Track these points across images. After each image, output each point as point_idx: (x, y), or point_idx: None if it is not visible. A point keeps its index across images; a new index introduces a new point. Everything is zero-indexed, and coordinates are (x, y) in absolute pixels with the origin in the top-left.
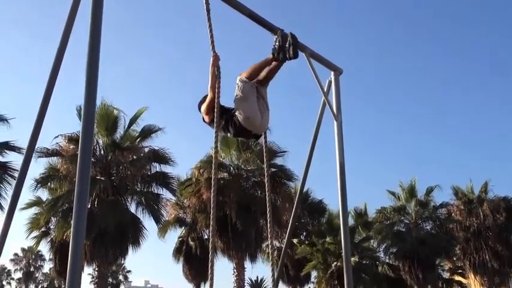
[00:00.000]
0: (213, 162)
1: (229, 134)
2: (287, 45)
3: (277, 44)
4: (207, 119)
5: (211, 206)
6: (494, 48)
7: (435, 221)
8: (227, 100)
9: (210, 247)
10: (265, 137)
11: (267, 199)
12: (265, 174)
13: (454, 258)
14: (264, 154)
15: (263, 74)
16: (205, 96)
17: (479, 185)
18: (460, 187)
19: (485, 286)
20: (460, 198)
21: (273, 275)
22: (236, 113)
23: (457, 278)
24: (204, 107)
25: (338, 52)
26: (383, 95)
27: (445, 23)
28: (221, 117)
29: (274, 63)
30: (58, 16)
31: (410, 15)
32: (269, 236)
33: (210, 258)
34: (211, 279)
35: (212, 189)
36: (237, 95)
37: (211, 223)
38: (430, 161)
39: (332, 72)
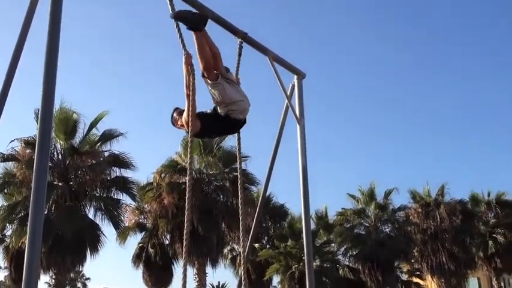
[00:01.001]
0: (188, 168)
1: (213, 136)
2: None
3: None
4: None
5: (186, 209)
6: (460, 54)
7: (394, 224)
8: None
9: (184, 251)
10: (238, 138)
11: (240, 206)
12: (239, 177)
13: (412, 260)
14: (238, 156)
15: (213, 62)
16: (175, 110)
17: (436, 188)
18: (417, 190)
19: (443, 287)
20: (418, 201)
21: (241, 279)
22: (219, 110)
23: (415, 279)
24: (185, 113)
25: (301, 56)
26: (344, 98)
27: (406, 24)
28: (202, 121)
29: (200, 40)
30: (15, 15)
31: (373, 16)
32: (241, 241)
33: (183, 263)
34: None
35: (187, 195)
36: (213, 96)
37: (185, 230)
38: (388, 164)
39: (295, 76)
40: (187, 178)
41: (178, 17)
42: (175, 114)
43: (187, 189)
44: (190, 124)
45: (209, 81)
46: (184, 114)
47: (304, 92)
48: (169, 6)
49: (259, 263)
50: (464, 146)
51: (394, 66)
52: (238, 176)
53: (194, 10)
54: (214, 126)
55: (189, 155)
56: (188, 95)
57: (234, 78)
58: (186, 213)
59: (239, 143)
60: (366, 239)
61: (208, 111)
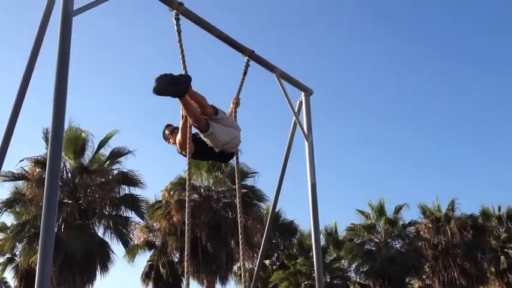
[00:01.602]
0: (187, 188)
1: (207, 160)
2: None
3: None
4: (180, 149)
5: (186, 228)
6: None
7: (404, 239)
8: None
9: (186, 266)
10: (237, 158)
11: (239, 220)
12: (237, 195)
13: (424, 276)
14: (236, 175)
15: (199, 109)
16: (167, 126)
17: (446, 203)
18: (427, 205)
19: None
20: (428, 216)
21: None
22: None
23: None
24: (179, 135)
25: (309, 72)
26: (352, 114)
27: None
28: (196, 145)
29: (186, 100)
30: (26, 37)
31: (381, 34)
32: (241, 258)
33: (185, 279)
34: None
35: (186, 211)
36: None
37: (185, 247)
38: (398, 179)
39: (302, 93)
40: (186, 197)
41: (161, 92)
42: (167, 132)
43: (186, 210)
44: (187, 147)
45: (201, 134)
46: (178, 136)
47: (312, 109)
48: (175, 26)
49: (268, 279)
50: (474, 160)
51: (403, 81)
52: (236, 191)
53: (172, 74)
54: (208, 153)
55: (188, 176)
56: (183, 116)
57: (222, 116)
58: (186, 228)
59: (237, 162)
60: (376, 255)
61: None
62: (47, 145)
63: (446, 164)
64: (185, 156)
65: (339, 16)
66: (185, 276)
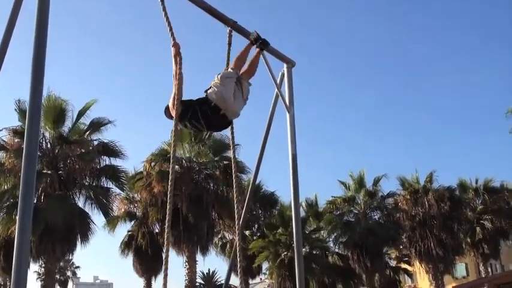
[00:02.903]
0: (171, 154)
1: (196, 128)
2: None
3: (255, 33)
4: (173, 113)
5: (168, 200)
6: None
7: (383, 211)
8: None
9: (166, 240)
10: (232, 132)
11: (235, 195)
12: (233, 170)
13: (401, 247)
14: (232, 149)
15: (245, 67)
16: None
17: (424, 175)
18: (406, 177)
19: (430, 273)
20: (407, 188)
21: (231, 267)
22: (209, 91)
23: (404, 265)
24: (170, 101)
25: (291, 44)
26: (333, 86)
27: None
28: (186, 108)
29: (254, 54)
30: (2, 5)
31: (364, 5)
32: (237, 229)
33: (164, 252)
34: (166, 274)
35: (170, 183)
36: (220, 73)
37: (167, 217)
38: (378, 151)
39: (285, 65)
40: (170, 166)
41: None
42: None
43: (170, 177)
44: (175, 108)
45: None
46: (170, 101)
47: (295, 80)
48: (170, 36)
49: (248, 248)
50: (452, 133)
51: (388, 50)
52: (232, 165)
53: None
54: (202, 110)
55: (173, 143)
56: (175, 84)
57: (244, 89)
58: (168, 201)
59: (232, 133)
60: (355, 226)
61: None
62: (21, 116)
63: (426, 137)
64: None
65: None
66: (165, 246)
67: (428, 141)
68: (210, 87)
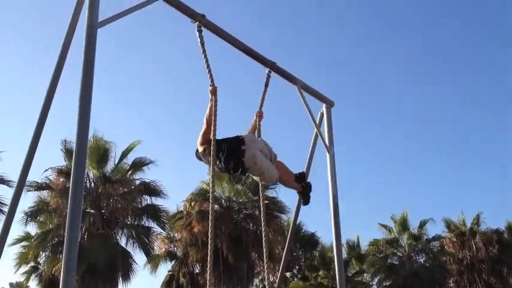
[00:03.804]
0: (210, 194)
1: (221, 167)
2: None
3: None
4: (200, 149)
5: (210, 239)
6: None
7: (428, 254)
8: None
9: (208, 279)
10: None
11: (263, 233)
12: (261, 204)
13: None
14: (260, 188)
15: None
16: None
17: (471, 217)
18: (452, 219)
19: None
20: (453, 230)
21: None
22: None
23: None
24: (199, 139)
25: (331, 84)
26: (374, 127)
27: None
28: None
29: (294, 183)
30: (51, 47)
31: (404, 47)
32: (264, 263)
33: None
34: None
35: (210, 223)
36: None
37: (208, 258)
38: (421, 193)
39: (324, 105)
40: (210, 205)
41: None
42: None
43: (210, 216)
44: (211, 148)
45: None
46: (199, 140)
47: (334, 121)
48: (198, 38)
49: None
50: (499, 174)
51: (426, 96)
52: (261, 204)
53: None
54: (225, 151)
55: (211, 184)
56: (208, 122)
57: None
58: (209, 241)
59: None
60: (399, 270)
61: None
62: (67, 156)
63: (471, 179)
64: (201, 159)
65: (362, 30)
66: (207, 284)
67: (475, 183)
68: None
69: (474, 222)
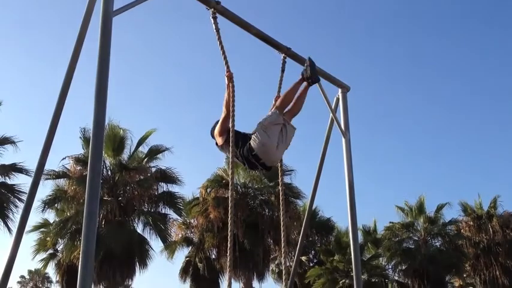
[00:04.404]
0: (230, 183)
1: (238, 159)
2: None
3: (308, 63)
4: (219, 140)
5: (230, 224)
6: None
7: (444, 238)
8: (241, 124)
9: (228, 266)
10: (281, 165)
11: (281, 218)
12: (280, 190)
13: (464, 275)
14: (280, 179)
15: (293, 103)
16: (217, 122)
17: (488, 200)
18: (469, 203)
19: None
20: (469, 214)
21: None
22: (252, 137)
23: None
24: (218, 127)
25: (346, 69)
26: (391, 112)
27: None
28: (236, 140)
29: (301, 88)
30: (66, 39)
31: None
32: (282, 251)
33: (228, 278)
34: None
35: (230, 205)
36: (264, 120)
37: (229, 245)
38: (438, 177)
39: (339, 90)
40: (229, 192)
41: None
42: (217, 128)
43: (229, 204)
44: (231, 136)
45: (277, 111)
46: (217, 128)
47: (349, 106)
48: (213, 25)
49: (305, 276)
50: None
51: (448, 77)
52: (280, 189)
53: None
54: (243, 151)
55: (231, 170)
56: (227, 109)
57: (289, 134)
58: (229, 228)
59: (281, 166)
60: (415, 254)
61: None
62: (85, 144)
63: (489, 161)
64: (220, 148)
65: (378, 15)
66: (227, 274)
67: (492, 166)
68: (255, 133)
69: (491, 205)
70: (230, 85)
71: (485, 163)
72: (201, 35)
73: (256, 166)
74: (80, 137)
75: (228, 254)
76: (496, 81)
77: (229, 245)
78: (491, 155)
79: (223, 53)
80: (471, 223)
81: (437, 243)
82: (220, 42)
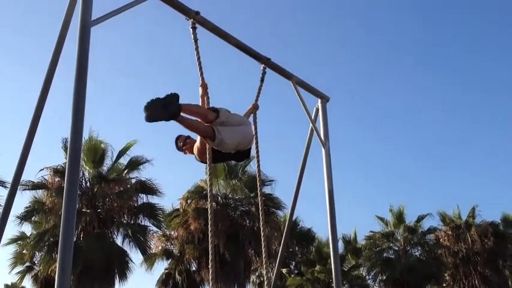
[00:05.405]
0: (208, 193)
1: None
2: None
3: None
4: (200, 159)
5: (210, 235)
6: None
7: (424, 247)
8: None
9: (211, 278)
10: (258, 165)
11: (262, 229)
12: (259, 199)
13: (444, 285)
14: (258, 189)
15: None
16: (178, 137)
17: (466, 210)
18: (447, 213)
19: None
20: (448, 223)
21: None
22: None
23: None
24: (198, 149)
25: (326, 78)
26: (371, 120)
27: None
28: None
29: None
30: (45, 46)
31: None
32: (263, 262)
33: None
34: None
35: (209, 217)
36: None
37: (210, 255)
38: (418, 186)
39: (319, 100)
40: (208, 203)
41: (155, 118)
42: (179, 143)
43: (208, 215)
44: (207, 148)
45: (211, 144)
46: (197, 143)
47: (329, 116)
48: (192, 35)
49: (286, 285)
50: (494, 166)
51: (424, 87)
52: (259, 199)
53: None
54: (224, 154)
55: (209, 182)
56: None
57: (227, 115)
58: (210, 240)
59: (258, 165)
60: (395, 263)
61: None
62: (66, 155)
63: (467, 171)
64: (205, 163)
65: (352, 26)
66: (210, 286)
67: (471, 175)
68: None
69: (470, 215)
70: (205, 97)
71: (464, 173)
72: (185, 43)
73: (243, 155)
74: (62, 147)
75: (210, 267)
76: (466, 91)
77: (210, 257)
78: (471, 165)
79: (200, 63)
80: (450, 232)
81: (417, 253)
82: (198, 53)
